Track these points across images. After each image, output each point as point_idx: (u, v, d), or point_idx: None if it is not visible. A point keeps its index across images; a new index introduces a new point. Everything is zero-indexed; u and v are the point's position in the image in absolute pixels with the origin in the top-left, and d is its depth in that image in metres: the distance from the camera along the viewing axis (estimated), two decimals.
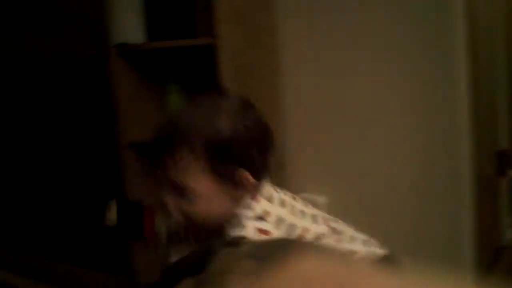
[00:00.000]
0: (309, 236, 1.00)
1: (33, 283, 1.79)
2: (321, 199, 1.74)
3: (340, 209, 1.67)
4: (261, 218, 0.95)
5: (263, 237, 0.94)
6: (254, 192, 0.96)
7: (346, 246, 1.01)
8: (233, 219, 0.96)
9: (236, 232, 0.94)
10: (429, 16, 1.49)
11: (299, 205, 1.02)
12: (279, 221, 0.98)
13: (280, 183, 1.74)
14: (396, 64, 1.56)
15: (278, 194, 1.01)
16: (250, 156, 0.93)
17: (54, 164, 1.75)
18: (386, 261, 1.01)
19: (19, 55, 1.71)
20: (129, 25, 1.42)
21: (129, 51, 1.45)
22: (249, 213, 0.95)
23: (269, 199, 0.98)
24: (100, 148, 1.58)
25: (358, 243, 1.03)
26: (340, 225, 1.04)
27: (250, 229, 0.94)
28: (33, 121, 1.79)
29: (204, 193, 0.93)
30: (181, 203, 0.94)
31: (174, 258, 1.17)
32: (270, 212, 0.97)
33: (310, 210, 1.03)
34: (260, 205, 0.97)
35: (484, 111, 1.71)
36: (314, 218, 1.01)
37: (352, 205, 1.71)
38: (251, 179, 0.93)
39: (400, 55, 1.55)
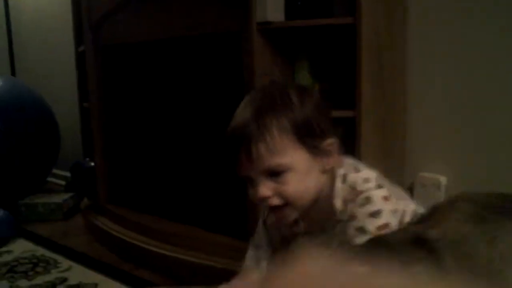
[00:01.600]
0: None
1: (155, 243, 1.91)
2: (442, 179, 1.73)
3: (460, 190, 1.65)
4: (380, 186, 0.97)
5: (388, 203, 0.94)
6: (341, 163, 1.00)
7: None
8: (359, 196, 0.96)
9: (366, 208, 0.94)
10: None
11: None
12: (390, 188, 0.99)
13: (401, 162, 1.76)
14: None
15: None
16: (328, 125, 0.99)
17: (189, 137, 1.84)
18: None
19: (159, 33, 1.78)
20: (271, 3, 1.44)
21: (269, 29, 1.47)
22: (371, 185, 0.96)
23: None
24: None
25: None
26: None
27: (379, 200, 0.94)
28: (171, 95, 1.87)
29: (300, 167, 0.95)
30: (277, 187, 0.96)
31: None
32: (381, 181, 0.99)
33: None
34: (372, 173, 0.99)
35: None
36: None
37: (473, 187, 1.69)
38: (336, 144, 0.98)
39: None
